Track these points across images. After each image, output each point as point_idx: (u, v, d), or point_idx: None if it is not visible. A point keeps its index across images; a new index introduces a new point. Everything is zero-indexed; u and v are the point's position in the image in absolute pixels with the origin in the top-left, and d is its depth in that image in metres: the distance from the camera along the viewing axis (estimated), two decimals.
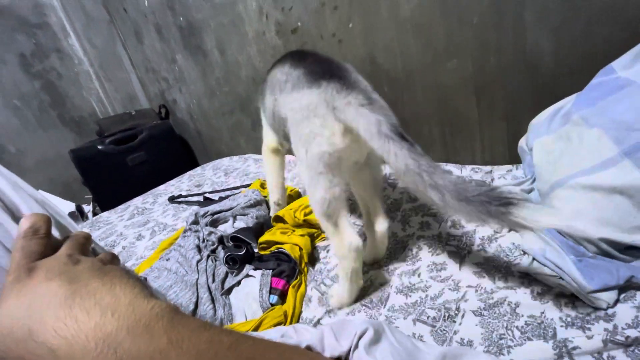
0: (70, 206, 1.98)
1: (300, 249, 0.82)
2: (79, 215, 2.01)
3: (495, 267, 0.65)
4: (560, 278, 0.56)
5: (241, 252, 0.84)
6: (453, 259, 0.73)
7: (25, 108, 2.02)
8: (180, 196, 1.55)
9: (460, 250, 0.75)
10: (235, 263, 0.84)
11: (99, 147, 1.91)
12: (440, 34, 0.96)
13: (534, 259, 0.62)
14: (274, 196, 1.07)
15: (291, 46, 1.32)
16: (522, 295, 0.56)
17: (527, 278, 0.60)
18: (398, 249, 0.83)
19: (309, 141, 0.64)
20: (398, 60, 1.07)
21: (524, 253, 0.65)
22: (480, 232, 0.77)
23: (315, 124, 0.63)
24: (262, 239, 0.89)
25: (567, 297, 0.54)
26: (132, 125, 2.13)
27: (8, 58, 1.97)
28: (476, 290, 0.61)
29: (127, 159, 2.00)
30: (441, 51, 0.98)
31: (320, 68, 0.69)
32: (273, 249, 0.85)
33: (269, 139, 1.00)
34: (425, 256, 0.77)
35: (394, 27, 1.03)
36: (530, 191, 0.79)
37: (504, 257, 0.68)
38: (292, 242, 0.83)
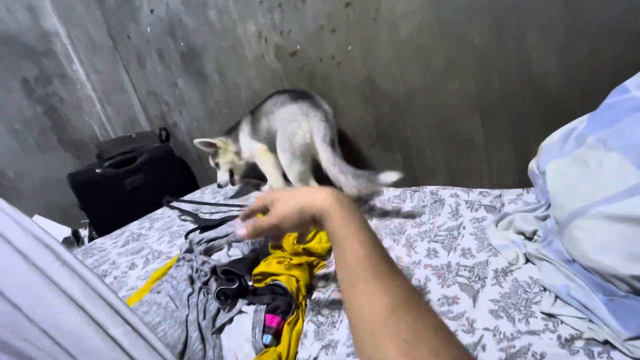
0: (67, 231, 1.93)
1: (298, 280, 0.76)
2: (75, 240, 1.95)
3: (514, 306, 0.59)
4: (590, 321, 0.50)
5: (234, 285, 0.78)
6: (466, 292, 0.67)
7: (26, 132, 2.02)
8: (175, 199, 1.58)
9: (472, 283, 0.69)
10: (228, 298, 0.78)
11: (97, 170, 1.88)
12: (441, 55, 0.94)
13: (557, 296, 0.56)
14: (279, 183, 1.33)
15: (290, 68, 1.32)
16: (547, 342, 0.49)
17: (551, 320, 0.53)
18: None
19: (291, 136, 1.09)
20: (398, 82, 1.04)
21: (545, 289, 0.59)
22: (494, 264, 0.71)
23: (294, 126, 1.09)
24: (257, 270, 0.83)
25: (601, 344, 0.47)
26: (132, 147, 2.12)
27: (12, 84, 1.99)
28: (494, 335, 0.54)
29: (125, 182, 1.97)
30: (442, 73, 0.95)
31: (297, 95, 1.14)
32: (268, 281, 0.79)
33: (259, 145, 1.32)
34: (435, 288, 0.71)
35: (393, 49, 1.01)
36: (545, 218, 0.73)
37: (523, 293, 0.61)
38: (289, 273, 0.77)
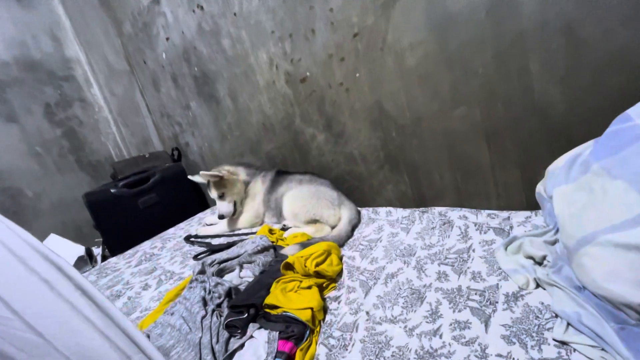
0: (80, 250, 1.97)
1: (312, 308, 0.77)
2: (88, 258, 1.99)
3: (525, 331, 0.60)
4: (603, 349, 0.50)
5: (243, 316, 0.80)
6: (477, 317, 0.68)
7: (45, 154, 2.11)
8: (196, 236, 1.55)
9: (484, 308, 0.69)
10: (237, 328, 0.80)
11: (112, 190, 1.94)
12: (446, 83, 0.98)
13: (568, 323, 0.56)
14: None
15: (300, 94, 1.37)
16: None
17: (564, 347, 0.54)
18: (415, 300, 0.78)
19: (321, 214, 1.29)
20: (405, 108, 1.08)
21: (556, 316, 0.60)
22: (504, 288, 0.72)
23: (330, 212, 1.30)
24: (268, 299, 0.84)
25: None
26: (145, 167, 2.18)
27: (34, 108, 2.09)
28: None
29: (139, 202, 2.02)
30: (448, 100, 0.99)
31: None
32: (280, 311, 0.80)
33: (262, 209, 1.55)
34: (447, 312, 0.72)
35: (399, 77, 1.05)
36: (554, 242, 0.74)
37: (534, 319, 0.62)
38: (303, 305, 0.78)
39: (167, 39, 1.91)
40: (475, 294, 0.73)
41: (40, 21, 2.15)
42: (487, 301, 0.70)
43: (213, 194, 1.47)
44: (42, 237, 1.97)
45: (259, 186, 1.50)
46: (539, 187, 0.87)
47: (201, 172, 1.43)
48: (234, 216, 1.51)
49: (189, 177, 1.58)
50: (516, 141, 0.93)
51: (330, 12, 1.13)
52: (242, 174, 1.51)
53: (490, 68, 0.88)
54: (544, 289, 0.67)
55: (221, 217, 1.47)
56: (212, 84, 1.79)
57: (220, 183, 1.45)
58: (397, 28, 1.00)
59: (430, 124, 1.05)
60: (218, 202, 1.48)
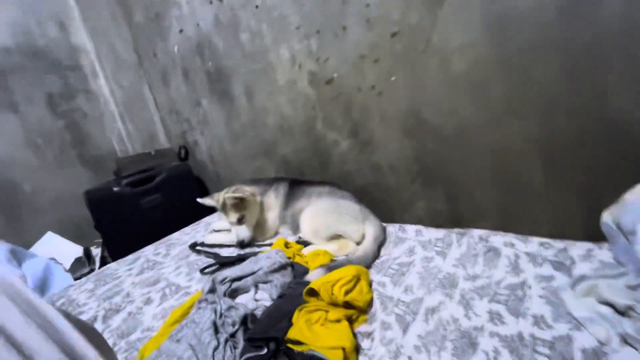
0: (78, 250, 1.87)
1: (343, 349, 0.66)
2: (86, 260, 1.88)
3: None
4: None
5: (262, 353, 0.69)
6: None
7: (45, 147, 2.00)
8: (203, 244, 1.43)
9: None
10: None
11: (115, 188, 1.83)
12: (499, 92, 0.86)
13: None
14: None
15: (324, 96, 1.26)
16: None
17: None
18: (465, 346, 0.66)
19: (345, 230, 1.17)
20: (447, 117, 0.97)
21: None
22: (579, 341, 0.60)
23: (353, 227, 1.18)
24: (291, 333, 0.73)
25: None
26: (150, 165, 2.07)
27: (36, 98, 1.98)
28: None
29: (142, 202, 1.91)
30: (500, 111, 0.88)
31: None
32: (306, 348, 0.69)
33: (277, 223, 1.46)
34: None
35: (443, 83, 0.94)
36: (637, 287, 0.63)
37: None
38: (332, 343, 0.67)
39: (181, 31, 1.81)
40: (543, 345, 0.62)
41: (47, 6, 2.04)
42: (559, 356, 0.59)
43: (231, 218, 1.32)
44: (38, 234, 1.86)
45: (272, 201, 1.38)
46: (607, 218, 0.75)
47: (225, 196, 1.30)
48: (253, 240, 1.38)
49: (198, 200, 1.45)
50: (578, 161, 0.82)
51: (367, 7, 1.01)
52: (257, 192, 1.38)
53: (556, 76, 0.77)
54: (635, 349, 0.55)
55: (241, 242, 1.31)
56: (227, 80, 1.67)
57: (241, 205, 1.31)
58: (445, 28, 0.89)
59: (476, 136, 0.94)
60: (236, 227, 1.33)
